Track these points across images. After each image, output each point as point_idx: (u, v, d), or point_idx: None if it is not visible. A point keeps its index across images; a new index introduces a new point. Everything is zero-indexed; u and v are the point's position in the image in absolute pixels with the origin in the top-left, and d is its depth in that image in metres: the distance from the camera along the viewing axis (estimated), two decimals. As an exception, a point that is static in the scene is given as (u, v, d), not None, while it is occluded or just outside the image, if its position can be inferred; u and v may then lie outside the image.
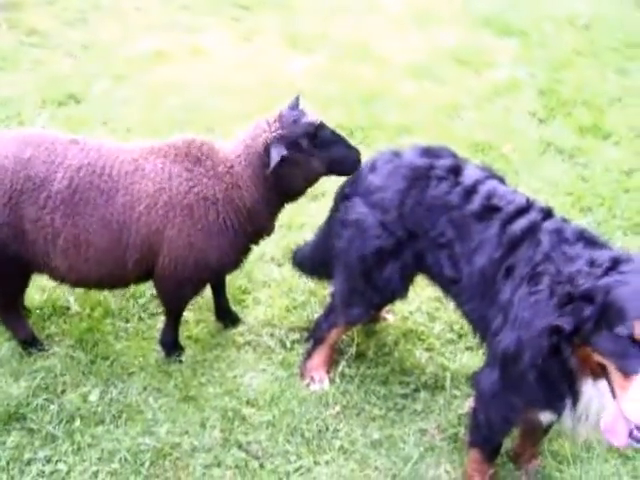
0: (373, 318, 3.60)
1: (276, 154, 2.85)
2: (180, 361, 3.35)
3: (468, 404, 3.18)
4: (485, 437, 2.81)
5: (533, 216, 2.66)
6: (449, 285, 2.92)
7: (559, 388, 2.36)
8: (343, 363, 3.38)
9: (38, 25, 6.87)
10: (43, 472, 2.83)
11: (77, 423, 3.03)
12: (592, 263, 2.30)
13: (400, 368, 3.41)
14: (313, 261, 3.49)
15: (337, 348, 3.42)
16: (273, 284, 3.83)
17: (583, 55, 7.01)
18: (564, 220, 2.67)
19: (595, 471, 2.95)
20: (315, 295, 3.79)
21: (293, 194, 3.12)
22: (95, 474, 2.84)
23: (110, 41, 6.74)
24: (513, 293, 2.53)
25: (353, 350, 3.44)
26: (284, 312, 3.70)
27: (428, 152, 2.99)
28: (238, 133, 3.08)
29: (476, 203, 2.76)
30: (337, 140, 3.02)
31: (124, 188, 2.92)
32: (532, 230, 2.60)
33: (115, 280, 3.17)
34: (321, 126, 2.97)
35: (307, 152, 2.94)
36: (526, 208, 2.70)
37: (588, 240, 2.51)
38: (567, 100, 6.09)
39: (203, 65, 6.44)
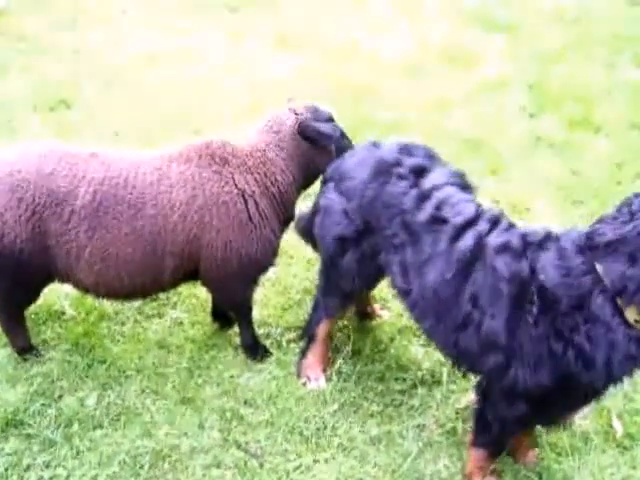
0: (366, 315, 3.62)
1: (326, 128, 3.17)
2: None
3: (465, 399, 3.19)
4: (494, 438, 2.78)
5: (480, 228, 2.60)
6: (401, 295, 2.87)
7: None
8: (340, 361, 3.38)
9: (27, 31, 6.87)
10: (42, 477, 2.83)
11: (75, 427, 3.02)
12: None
13: (396, 364, 3.42)
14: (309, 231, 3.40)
15: (333, 346, 3.43)
16: (267, 283, 3.83)
17: (572, 49, 7.02)
18: (510, 225, 2.63)
19: (593, 462, 2.96)
20: (310, 293, 3.77)
21: (314, 179, 3.31)
22: (94, 478, 2.84)
23: (99, 45, 6.73)
24: (512, 331, 2.45)
25: (349, 348, 3.44)
26: (279, 311, 3.71)
27: (404, 148, 2.96)
28: (248, 129, 3.25)
29: (426, 212, 2.70)
30: (338, 129, 3.30)
31: (152, 199, 2.91)
32: (479, 249, 2.55)
33: (149, 290, 3.17)
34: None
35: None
36: (474, 219, 2.65)
37: (535, 244, 2.48)
38: (557, 94, 6.09)
39: (192, 67, 6.43)
